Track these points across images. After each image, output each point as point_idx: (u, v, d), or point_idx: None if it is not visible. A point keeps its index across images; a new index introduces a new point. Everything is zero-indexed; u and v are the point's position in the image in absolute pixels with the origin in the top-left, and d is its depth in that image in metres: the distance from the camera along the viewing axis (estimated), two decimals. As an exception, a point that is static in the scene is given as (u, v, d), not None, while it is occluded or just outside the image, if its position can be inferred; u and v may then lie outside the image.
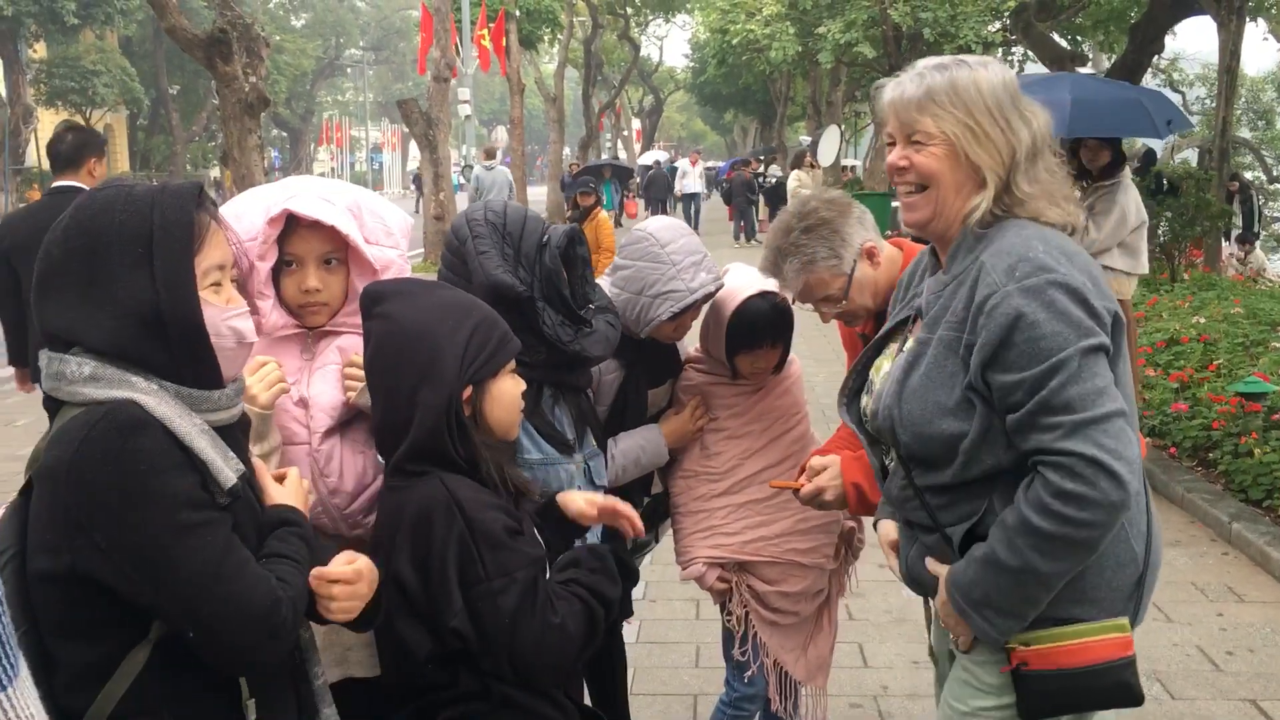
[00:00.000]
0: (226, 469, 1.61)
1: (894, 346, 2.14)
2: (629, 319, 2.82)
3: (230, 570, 1.56)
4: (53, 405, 1.62)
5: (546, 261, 2.50)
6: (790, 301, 2.81)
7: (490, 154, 18.23)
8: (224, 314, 1.65)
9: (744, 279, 2.92)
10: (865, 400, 2.16)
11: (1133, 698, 1.92)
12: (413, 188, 43.84)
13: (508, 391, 2.08)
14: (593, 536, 2.61)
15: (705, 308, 2.92)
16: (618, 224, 23.79)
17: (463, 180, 21.53)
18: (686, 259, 2.80)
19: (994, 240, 1.90)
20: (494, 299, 2.42)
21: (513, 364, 2.10)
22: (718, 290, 2.88)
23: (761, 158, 28.56)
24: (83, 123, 41.62)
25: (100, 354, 1.57)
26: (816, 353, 9.75)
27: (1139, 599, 1.97)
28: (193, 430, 1.57)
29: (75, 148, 5.04)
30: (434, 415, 1.95)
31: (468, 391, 1.99)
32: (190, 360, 1.61)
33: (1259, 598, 5.05)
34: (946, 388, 1.91)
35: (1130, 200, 6.21)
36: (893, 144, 2.01)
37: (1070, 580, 1.88)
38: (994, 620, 1.89)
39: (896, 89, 1.98)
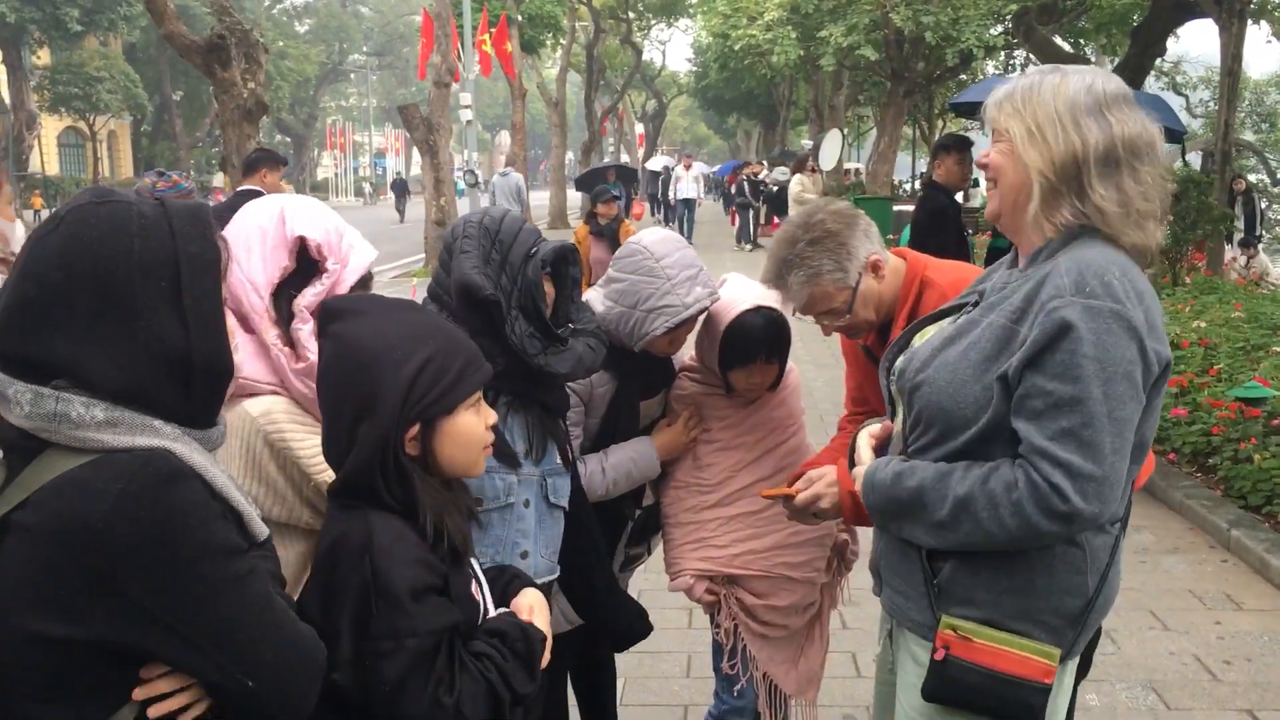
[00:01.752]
0: (257, 517, 1.54)
1: (945, 322, 2.13)
2: (622, 332, 2.80)
3: (280, 615, 1.51)
4: (27, 444, 1.42)
5: (529, 273, 2.47)
6: (792, 314, 2.78)
7: (509, 161, 19.91)
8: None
9: (739, 292, 2.89)
10: (900, 361, 2.15)
11: None
12: (402, 193, 43.89)
13: (465, 429, 1.89)
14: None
15: (700, 319, 2.89)
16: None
17: (465, 185, 21.56)
18: (681, 273, 2.77)
19: (1074, 251, 1.89)
20: (462, 298, 2.40)
21: (477, 397, 1.92)
22: (713, 304, 2.86)
23: (764, 161, 28.22)
24: (87, 129, 41.66)
25: (107, 394, 1.41)
26: (817, 358, 9.73)
27: (1078, 633, 1.97)
28: (224, 479, 1.49)
29: (252, 161, 6.68)
30: (368, 452, 1.79)
31: (414, 430, 1.83)
32: (206, 402, 1.50)
33: (1257, 606, 5.02)
34: (978, 370, 1.91)
35: None
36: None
37: (1019, 594, 1.92)
38: (870, 499, 2.04)
39: (997, 90, 2.01)
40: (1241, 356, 7.69)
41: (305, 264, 2.12)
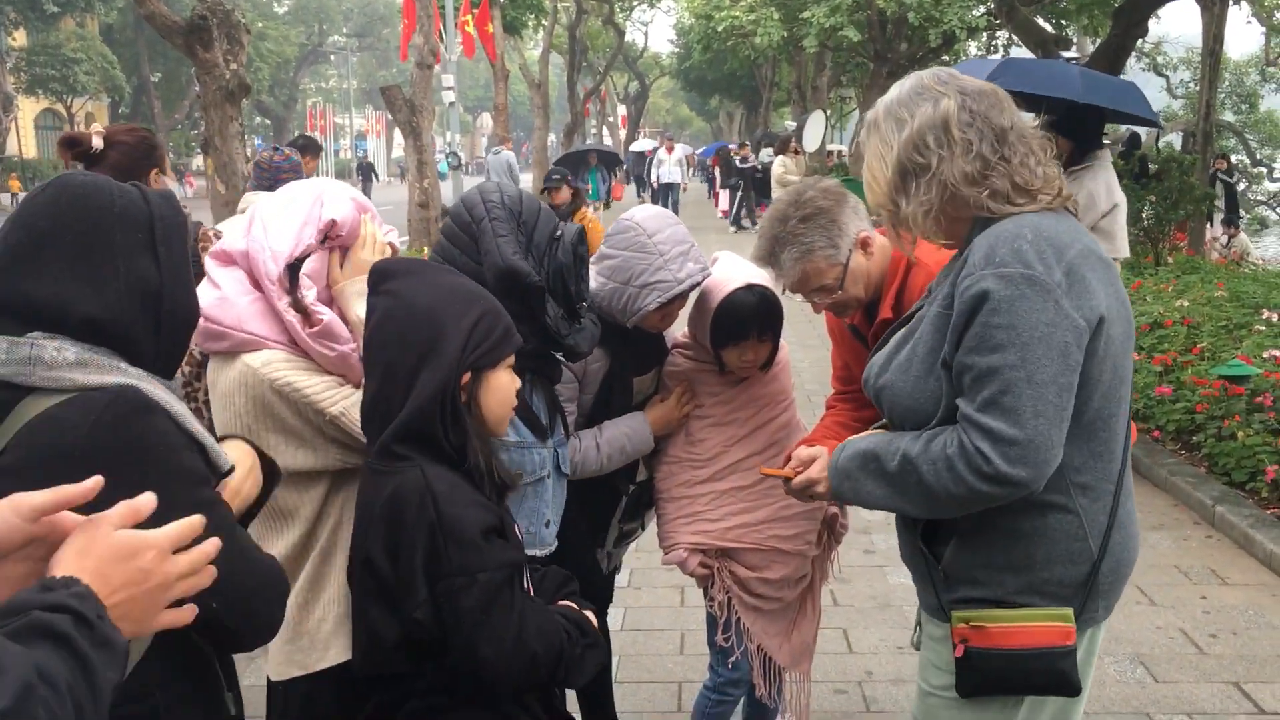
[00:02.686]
0: (220, 450, 1.63)
1: (898, 332, 2.17)
2: (615, 308, 2.80)
3: (242, 542, 1.59)
4: (6, 394, 1.49)
5: (559, 256, 2.50)
6: (783, 291, 2.79)
7: (498, 140, 20.12)
8: None
9: (731, 270, 2.90)
10: (866, 368, 2.20)
11: (1069, 687, 1.95)
12: (391, 177, 43.59)
13: (504, 384, 2.03)
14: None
15: (693, 295, 2.90)
16: (606, 206, 23.63)
17: (449, 167, 21.47)
18: (674, 249, 2.78)
19: (990, 228, 1.91)
20: (505, 284, 2.41)
21: (511, 358, 2.05)
22: (705, 280, 2.86)
23: (746, 143, 27.96)
24: (64, 111, 41.22)
25: (83, 330, 1.51)
26: (803, 339, 9.75)
27: (1088, 596, 1.98)
28: (187, 413, 1.58)
29: (300, 149, 7.10)
30: (430, 396, 1.91)
31: (466, 377, 1.95)
32: (169, 347, 1.61)
33: (1242, 580, 5.07)
34: (927, 364, 1.95)
35: (1099, 184, 6.14)
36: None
37: (1018, 569, 1.95)
38: (844, 481, 2.09)
39: None
40: (1224, 335, 7.74)
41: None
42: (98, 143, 3.23)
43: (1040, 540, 1.94)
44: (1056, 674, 1.93)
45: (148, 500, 1.26)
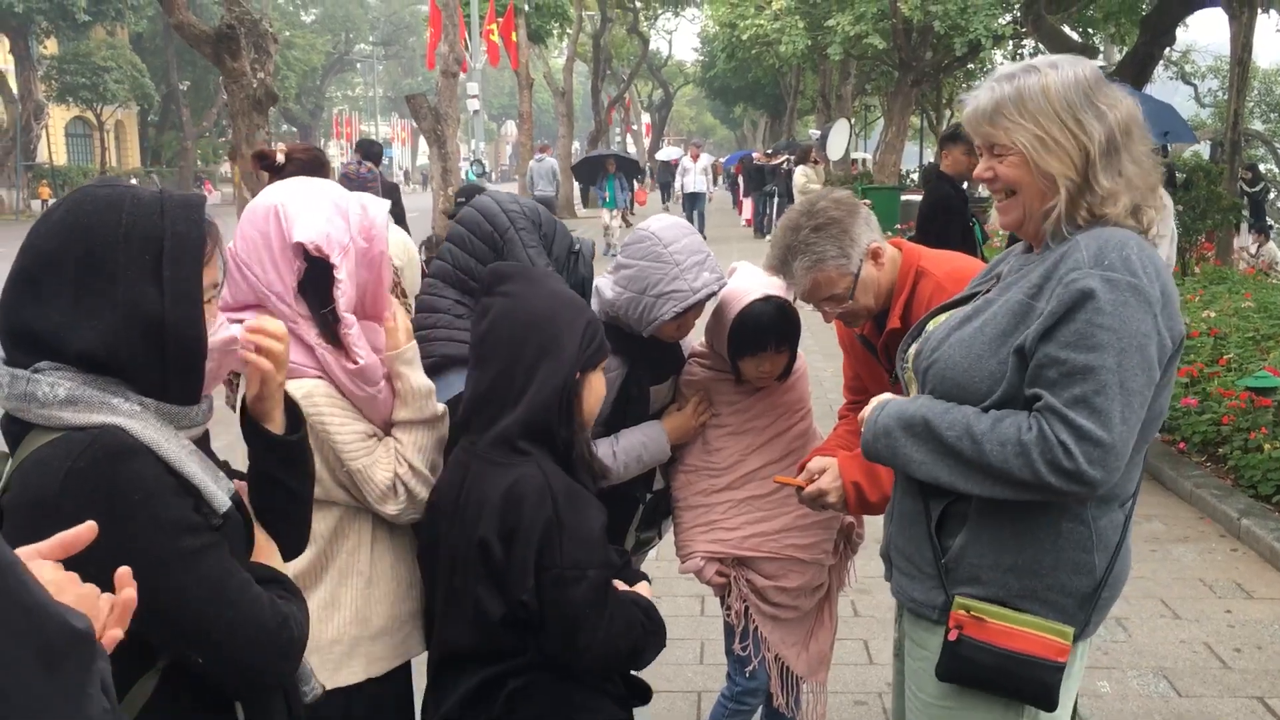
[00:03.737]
0: (219, 491, 1.56)
1: (959, 310, 2.16)
2: (631, 318, 2.81)
3: (234, 593, 1.52)
4: (16, 428, 1.49)
5: (580, 270, 2.50)
6: (794, 300, 2.79)
7: (543, 149, 20.84)
8: (214, 332, 1.62)
9: (749, 281, 2.90)
10: (915, 344, 2.18)
11: (1046, 701, 1.96)
12: (413, 184, 43.61)
13: (598, 386, 2.22)
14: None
15: (710, 305, 2.91)
16: (630, 213, 23.50)
17: (474, 175, 21.47)
18: (689, 259, 2.78)
19: (1092, 230, 1.91)
20: None
21: (603, 363, 2.24)
22: (721, 290, 2.87)
23: (770, 151, 27.81)
24: (94, 119, 41.61)
25: (83, 362, 1.47)
26: (825, 348, 9.73)
27: (1090, 613, 1.98)
28: (181, 454, 1.51)
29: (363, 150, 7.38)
30: (551, 391, 2.08)
31: (576, 376, 2.13)
32: (180, 375, 1.55)
33: (1268, 594, 5.02)
34: (994, 344, 1.94)
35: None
36: (983, 153, 2.05)
37: (1022, 573, 1.95)
38: (880, 438, 2.02)
39: (972, 103, 2.01)
40: (1251, 346, 7.66)
41: (324, 265, 2.07)
42: (280, 158, 3.63)
43: (1049, 546, 1.94)
44: (1041, 685, 1.94)
45: (87, 530, 1.23)
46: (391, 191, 8.41)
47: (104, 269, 1.48)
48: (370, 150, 8.88)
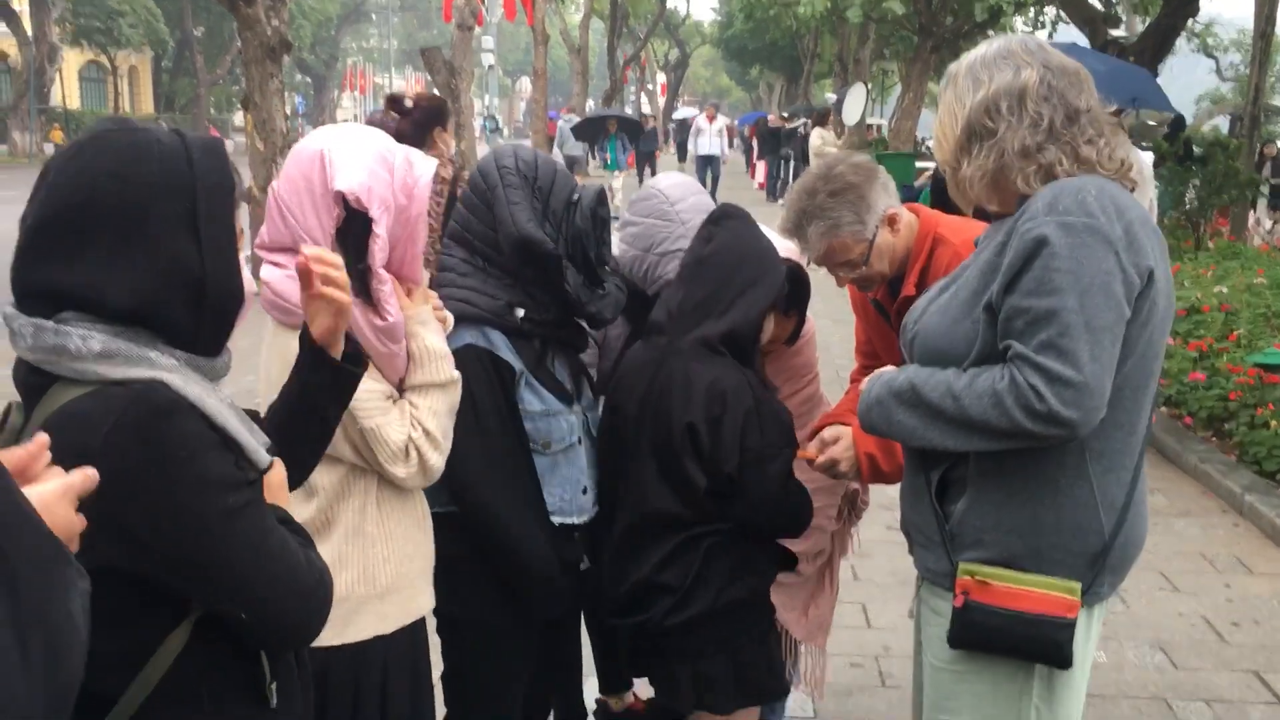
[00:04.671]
0: (259, 447, 1.54)
1: (941, 280, 2.20)
2: (637, 276, 2.80)
3: (276, 549, 1.51)
4: (38, 379, 1.45)
5: (577, 221, 2.48)
6: (808, 264, 2.79)
7: (570, 109, 20.89)
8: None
9: None
10: (905, 319, 2.22)
11: (1060, 659, 1.96)
12: None
13: (772, 326, 2.67)
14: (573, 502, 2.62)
15: None
16: (639, 174, 23.14)
17: (487, 131, 21.29)
18: (696, 217, 2.77)
19: (1056, 181, 1.93)
20: (522, 252, 2.41)
21: (779, 312, 2.68)
22: None
23: (785, 115, 27.50)
24: (108, 63, 41.30)
25: (116, 315, 1.43)
26: (834, 313, 9.70)
27: (1099, 573, 1.99)
28: (223, 409, 1.49)
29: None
30: (753, 312, 2.50)
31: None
32: (216, 328, 1.52)
33: (1268, 570, 5.04)
34: (967, 306, 1.97)
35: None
36: None
37: (1026, 533, 1.96)
38: (874, 408, 2.07)
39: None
40: (1262, 323, 7.63)
41: (363, 217, 2.04)
42: (409, 103, 4.08)
43: (1049, 504, 1.95)
44: (1051, 644, 1.94)
45: (90, 475, 1.24)
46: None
47: (140, 222, 1.43)
48: (399, 105, 8.84)
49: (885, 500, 5.51)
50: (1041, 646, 1.95)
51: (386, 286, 2.07)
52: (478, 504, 2.42)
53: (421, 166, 2.12)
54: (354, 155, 2.05)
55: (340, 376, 1.78)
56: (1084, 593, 1.96)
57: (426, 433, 2.16)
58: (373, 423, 2.09)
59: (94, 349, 1.40)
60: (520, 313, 2.44)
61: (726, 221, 2.58)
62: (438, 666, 2.54)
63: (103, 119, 1.56)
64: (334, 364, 1.75)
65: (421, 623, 2.30)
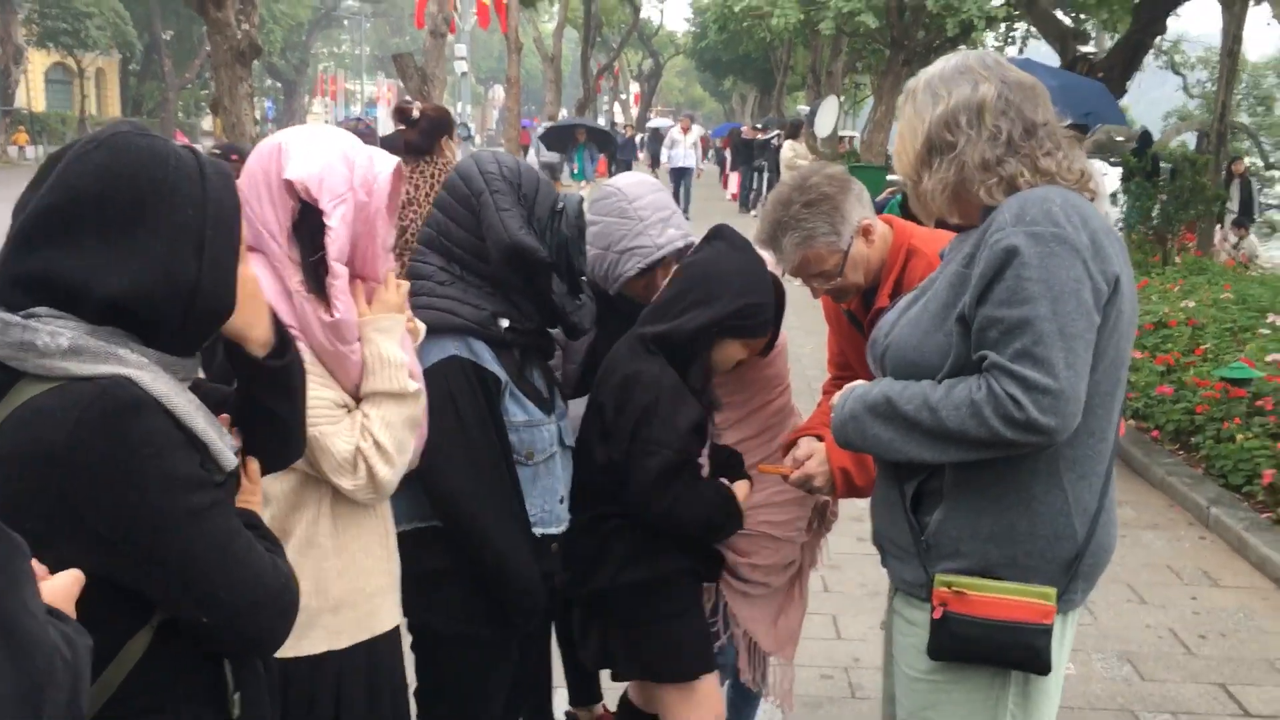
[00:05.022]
0: (225, 448, 1.52)
1: (909, 293, 2.21)
2: (598, 275, 2.80)
3: (241, 552, 1.49)
4: (4, 376, 1.42)
5: (563, 229, 2.46)
6: (782, 274, 2.78)
7: (551, 118, 18.97)
8: None
9: None
10: (874, 333, 2.22)
11: (1038, 665, 1.97)
12: None
13: (730, 353, 2.65)
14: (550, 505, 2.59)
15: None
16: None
17: (459, 138, 21.19)
18: (654, 214, 2.78)
19: (1021, 192, 1.96)
20: (512, 261, 2.37)
21: (751, 341, 2.66)
22: (687, 247, 2.84)
23: (759, 126, 27.54)
24: (75, 66, 41.01)
25: (101, 309, 1.41)
26: (806, 324, 9.72)
27: (1073, 579, 2.00)
28: (190, 408, 1.47)
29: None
30: (690, 328, 2.57)
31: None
32: (197, 335, 1.51)
33: (1234, 583, 5.07)
34: (939, 318, 1.98)
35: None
36: None
37: (1002, 541, 1.97)
38: (849, 423, 2.07)
39: None
40: (1228, 337, 7.71)
41: (317, 212, 2.02)
42: (416, 112, 4.25)
43: (1025, 514, 1.96)
44: (1030, 650, 1.95)
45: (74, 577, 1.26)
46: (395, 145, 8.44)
47: (147, 221, 1.43)
48: (406, 116, 9.10)
49: (856, 512, 5.50)
50: (1020, 654, 1.96)
51: (339, 282, 2.01)
52: (465, 517, 2.37)
53: (382, 163, 2.09)
54: (310, 148, 2.04)
55: (264, 371, 1.71)
56: (1058, 599, 1.97)
57: (377, 444, 2.06)
58: (317, 430, 2.00)
59: (62, 345, 1.38)
60: (505, 323, 2.41)
61: (714, 241, 2.69)
62: (412, 682, 2.50)
63: (120, 121, 1.57)
64: (251, 358, 1.69)
65: (385, 640, 2.21)
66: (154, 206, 1.43)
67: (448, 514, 2.38)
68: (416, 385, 2.15)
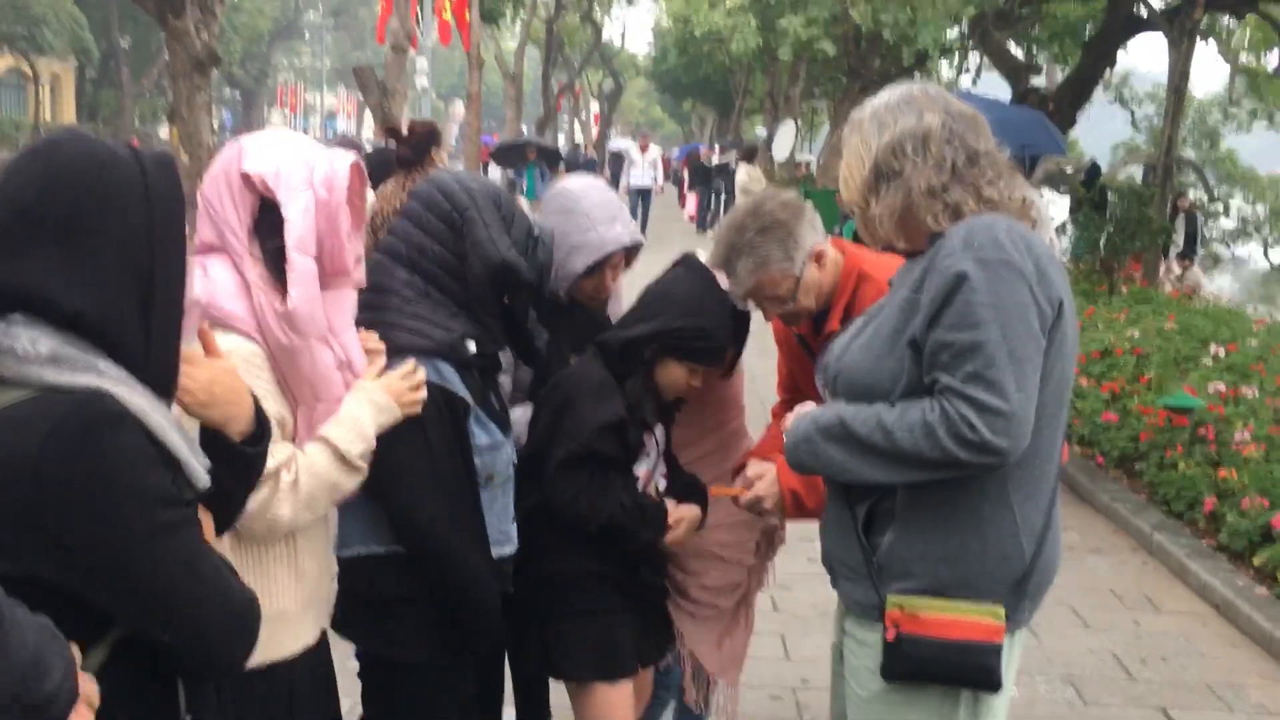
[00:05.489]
0: (199, 467, 1.50)
1: (859, 318, 2.25)
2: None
3: (207, 571, 1.49)
4: None
5: (540, 255, 2.48)
6: (737, 300, 2.80)
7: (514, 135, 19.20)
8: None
9: None
10: (824, 358, 2.26)
11: (990, 683, 2.01)
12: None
13: (674, 374, 2.73)
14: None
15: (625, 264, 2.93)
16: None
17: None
18: (601, 212, 2.80)
19: (962, 221, 2.01)
20: (497, 280, 2.37)
21: (693, 365, 2.72)
22: (634, 245, 2.87)
23: (718, 147, 27.65)
24: (29, 70, 40.35)
25: (69, 322, 1.39)
26: (760, 346, 9.78)
27: (1020, 598, 2.04)
28: (166, 425, 1.45)
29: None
30: (632, 340, 2.68)
31: (652, 349, 2.68)
32: (162, 347, 1.49)
33: (1175, 608, 5.16)
34: (889, 343, 2.03)
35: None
36: None
37: (953, 561, 2.00)
38: (801, 445, 2.11)
39: None
40: (1172, 366, 7.84)
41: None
42: (405, 131, 4.32)
43: (976, 536, 2.00)
44: (982, 669, 1.99)
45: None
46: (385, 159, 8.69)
47: (91, 224, 1.41)
48: (396, 134, 9.71)
49: (806, 533, 5.53)
50: (972, 673, 2.00)
51: (295, 273, 2.00)
52: (434, 543, 2.32)
53: (340, 161, 2.11)
54: (268, 147, 2.07)
55: (238, 457, 1.70)
56: (1007, 618, 2.01)
57: (295, 483, 2.00)
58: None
59: (42, 352, 1.37)
60: (473, 345, 2.39)
61: (676, 268, 2.82)
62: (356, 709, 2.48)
63: (61, 128, 1.56)
64: (228, 442, 1.68)
65: (286, 668, 2.10)
66: (96, 212, 1.41)
67: (415, 540, 2.33)
68: (362, 473, 2.12)
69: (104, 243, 1.42)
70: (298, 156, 2.07)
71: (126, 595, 1.43)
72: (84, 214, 1.41)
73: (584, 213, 2.79)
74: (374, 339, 2.25)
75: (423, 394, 2.24)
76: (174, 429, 1.47)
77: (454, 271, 2.39)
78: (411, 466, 2.27)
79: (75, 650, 1.33)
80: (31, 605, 1.34)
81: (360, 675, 2.50)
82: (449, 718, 2.53)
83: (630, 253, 2.89)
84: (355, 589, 2.38)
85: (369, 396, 2.13)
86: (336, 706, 2.29)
